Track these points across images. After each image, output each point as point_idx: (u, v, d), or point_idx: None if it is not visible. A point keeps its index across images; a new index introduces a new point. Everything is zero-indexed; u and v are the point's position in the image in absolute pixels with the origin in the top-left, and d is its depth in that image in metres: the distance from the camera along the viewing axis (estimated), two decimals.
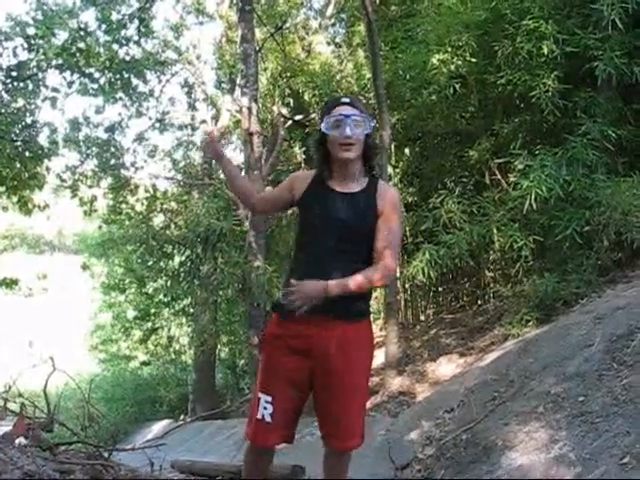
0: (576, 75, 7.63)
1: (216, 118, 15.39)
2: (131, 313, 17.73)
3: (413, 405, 7.41)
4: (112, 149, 13.78)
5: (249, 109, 9.26)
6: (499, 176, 8.37)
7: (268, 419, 2.99)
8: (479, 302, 9.74)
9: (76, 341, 21.77)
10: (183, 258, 15.08)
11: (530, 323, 7.19)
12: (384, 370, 8.96)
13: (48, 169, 13.20)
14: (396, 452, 6.00)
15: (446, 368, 8.47)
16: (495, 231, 7.61)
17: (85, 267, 16.30)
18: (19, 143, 11.93)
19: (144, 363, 18.06)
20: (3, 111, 11.09)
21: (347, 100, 3.03)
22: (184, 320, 16.80)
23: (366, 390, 3.19)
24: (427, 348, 9.31)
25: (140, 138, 14.68)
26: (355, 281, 2.87)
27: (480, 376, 6.61)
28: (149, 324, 16.97)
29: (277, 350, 3.04)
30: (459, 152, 9.42)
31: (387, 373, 8.75)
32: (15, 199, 12.43)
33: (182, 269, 15.06)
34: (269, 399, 3.00)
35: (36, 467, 4.75)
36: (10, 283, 12.24)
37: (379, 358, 10.02)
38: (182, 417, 14.09)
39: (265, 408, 3.00)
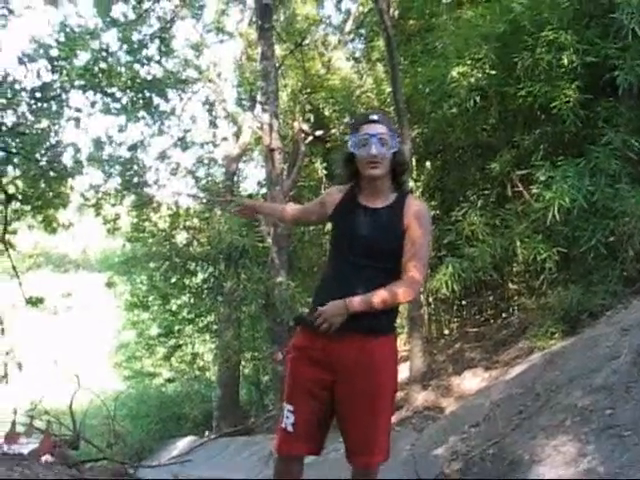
0: (597, 85, 7.57)
1: (237, 135, 15.51)
2: (155, 330, 17.80)
3: (438, 420, 7.35)
4: (135, 167, 13.88)
5: (270, 125, 9.31)
6: (521, 188, 8.31)
7: (290, 428, 3.00)
8: (503, 315, 9.64)
9: (101, 359, 21.89)
10: (206, 275, 15.16)
11: (555, 335, 7.11)
12: (408, 385, 8.90)
13: (72, 188, 13.34)
14: (422, 467, 5.97)
15: (471, 382, 8.41)
16: (518, 243, 7.55)
17: (109, 285, 16.39)
18: (43, 163, 12.08)
19: (168, 380, 18.13)
20: (28, 132, 11.22)
21: (375, 117, 3.03)
22: (208, 337, 16.86)
23: (391, 406, 3.15)
24: (452, 362, 9.24)
25: (162, 156, 14.79)
26: (378, 296, 2.87)
27: (505, 390, 6.55)
28: (173, 341, 17.03)
29: (299, 361, 3.07)
30: (480, 165, 9.38)
31: (412, 388, 8.69)
32: (40, 218, 12.56)
33: (205, 286, 15.13)
34: (291, 408, 3.02)
35: None
36: (36, 302, 12.33)
37: (403, 373, 9.97)
38: (207, 433, 14.06)
39: (287, 417, 3.02)
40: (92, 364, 22.38)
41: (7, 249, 11.76)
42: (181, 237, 14.90)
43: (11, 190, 11.52)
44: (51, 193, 12.25)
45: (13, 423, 6.39)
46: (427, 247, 3.07)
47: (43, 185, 12.03)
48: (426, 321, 10.29)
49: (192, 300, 15.43)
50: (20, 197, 11.77)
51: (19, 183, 11.77)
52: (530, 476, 4.33)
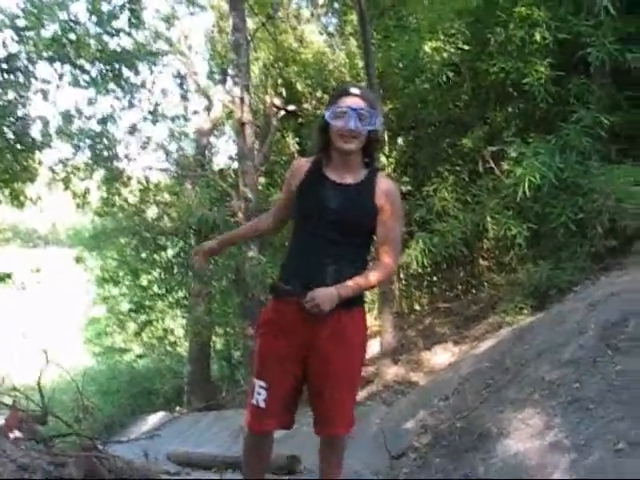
0: (569, 62, 7.61)
1: (209, 109, 15.34)
2: (125, 306, 17.64)
3: (408, 394, 7.40)
4: (105, 141, 13.67)
5: (241, 99, 9.22)
6: (493, 164, 8.35)
7: (262, 404, 2.98)
8: (473, 291, 9.73)
9: (71, 334, 21.72)
10: (177, 250, 15.06)
11: (524, 311, 7.19)
12: (379, 359, 8.96)
13: (40, 162, 13.14)
14: (391, 441, 6.00)
15: (441, 357, 8.49)
16: (489, 219, 7.60)
17: (78, 260, 16.21)
18: (11, 136, 11.86)
19: (139, 356, 18.03)
20: None
21: (357, 92, 2.95)
22: (178, 312, 16.77)
23: (358, 377, 3.15)
24: (422, 337, 9.32)
25: (133, 130, 14.58)
26: (357, 284, 2.89)
27: (475, 364, 6.61)
28: (143, 317, 16.90)
29: (270, 335, 3.04)
30: (452, 141, 9.40)
31: (382, 362, 8.76)
32: (7, 192, 12.36)
33: (176, 261, 15.04)
34: (263, 384, 3.00)
35: (30, 460, 4.73)
36: (3, 277, 12.17)
37: (374, 347, 10.03)
38: (177, 409, 14.05)
39: (259, 394, 3.00)
40: (62, 340, 22.24)
41: None
42: (151, 212, 14.74)
43: None
44: (18, 166, 12.06)
45: None
46: (400, 230, 3.07)
47: (10, 158, 11.83)
48: (397, 297, 10.34)
49: (163, 275, 15.31)
50: None
51: None
52: (498, 449, 4.37)
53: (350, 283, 2.87)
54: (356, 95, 2.92)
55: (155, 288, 16.16)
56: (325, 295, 2.81)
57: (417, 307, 10.67)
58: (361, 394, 8.83)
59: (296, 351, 2.97)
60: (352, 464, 5.83)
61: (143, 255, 15.02)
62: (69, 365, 21.66)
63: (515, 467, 3.98)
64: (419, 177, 10.11)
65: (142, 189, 14.47)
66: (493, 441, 4.55)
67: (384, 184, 3.02)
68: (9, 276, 12.30)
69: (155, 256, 15.00)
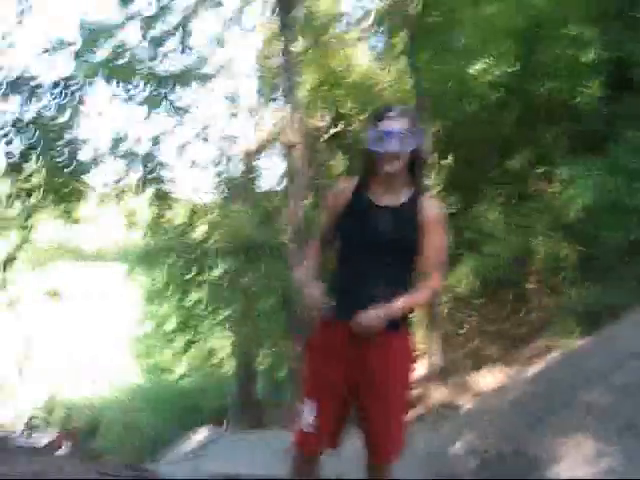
0: (620, 81, 7.49)
1: (256, 130, 15.44)
2: (172, 325, 17.78)
3: (455, 417, 7.30)
4: (154, 161, 13.91)
5: (290, 120, 9.28)
6: (541, 185, 8.24)
7: (311, 428, 2.93)
8: (522, 314, 9.54)
9: (119, 351, 21.98)
10: (224, 269, 15.16)
11: (574, 334, 7.04)
12: (426, 382, 8.87)
13: (87, 185, 13.43)
14: (438, 464, 5.94)
15: (488, 379, 8.35)
16: (538, 240, 7.48)
17: (128, 277, 16.45)
18: (63, 157, 12.14)
19: (183, 376, 18.15)
20: (50, 123, 11.27)
21: (394, 114, 2.89)
22: (224, 332, 16.82)
23: (406, 400, 3.06)
24: (469, 359, 9.17)
25: (182, 150, 14.77)
26: (410, 301, 2.86)
27: (524, 387, 6.51)
28: (189, 335, 17.02)
29: (320, 357, 3.01)
30: (501, 161, 9.30)
31: (428, 385, 8.67)
32: (61, 209, 12.60)
33: (224, 280, 15.13)
34: (313, 405, 2.96)
35: (77, 475, 4.82)
36: (54, 294, 12.42)
37: (421, 369, 9.93)
38: (223, 426, 14.04)
39: (309, 414, 2.95)
40: (111, 356, 22.52)
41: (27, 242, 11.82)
42: (199, 231, 14.89)
43: (32, 183, 11.56)
44: (70, 187, 12.32)
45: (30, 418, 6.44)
46: (445, 250, 3.02)
47: (61, 180, 12.09)
48: (444, 318, 10.19)
49: (209, 295, 15.42)
50: (42, 190, 11.82)
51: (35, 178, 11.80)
52: (548, 475, 4.28)
53: (397, 303, 2.81)
54: (393, 117, 2.88)
55: (201, 308, 16.27)
56: (372, 316, 2.77)
57: (464, 330, 10.48)
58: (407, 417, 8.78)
59: (345, 374, 2.91)
60: None
61: (189, 275, 15.15)
62: (118, 381, 22.03)
63: None
64: (467, 197, 9.99)
65: (190, 209, 14.63)
66: (543, 467, 4.46)
67: (429, 204, 2.99)
68: (58, 293, 12.52)
69: (202, 277, 15.12)
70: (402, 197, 2.98)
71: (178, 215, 14.59)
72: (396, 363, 2.91)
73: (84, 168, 12.50)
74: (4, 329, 22.28)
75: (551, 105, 8.25)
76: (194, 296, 16.17)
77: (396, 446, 2.95)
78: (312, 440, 2.95)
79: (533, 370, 6.93)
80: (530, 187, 8.63)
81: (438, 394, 8.46)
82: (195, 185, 14.76)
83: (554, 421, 5.07)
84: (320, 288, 2.96)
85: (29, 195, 11.45)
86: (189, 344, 17.23)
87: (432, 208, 2.97)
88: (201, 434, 13.61)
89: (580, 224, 7.15)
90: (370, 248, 2.92)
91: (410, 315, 3.01)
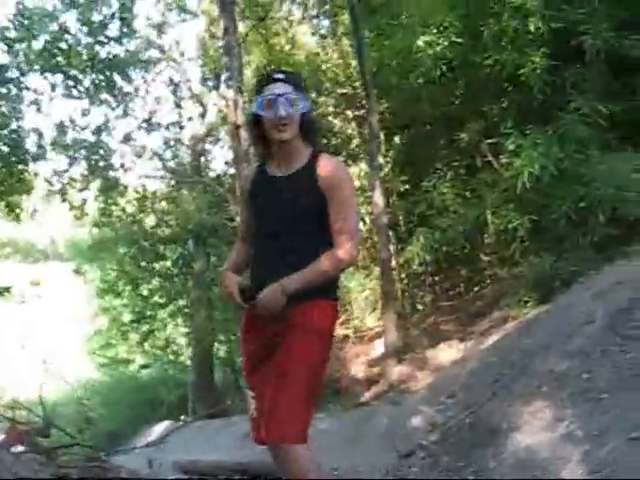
0: (564, 51, 7.50)
1: (203, 115, 15.27)
2: (127, 317, 17.55)
3: (415, 393, 7.30)
4: (100, 151, 13.64)
5: (235, 102, 9.13)
6: (491, 158, 8.26)
7: (255, 414, 2.90)
8: (476, 287, 9.61)
9: (74, 347, 21.61)
10: (175, 257, 14.99)
11: (529, 304, 7.09)
12: (383, 360, 8.87)
13: (36, 174, 13.11)
14: (399, 440, 5.92)
15: (446, 354, 8.38)
16: (489, 213, 7.51)
17: (77, 272, 16.16)
18: (5, 149, 11.81)
19: (143, 366, 17.91)
20: None
21: (280, 76, 2.82)
22: (180, 320, 16.68)
23: (305, 378, 2.78)
24: (426, 336, 9.21)
25: (127, 139, 14.53)
26: (303, 276, 2.73)
27: (481, 359, 6.53)
28: (145, 327, 16.80)
29: (246, 341, 3.02)
30: (449, 136, 9.30)
31: (387, 362, 8.67)
32: (3, 205, 12.31)
33: (175, 268, 14.97)
34: (251, 394, 2.94)
35: (32, 473, 4.66)
36: (3, 291, 12.09)
37: (378, 348, 9.94)
38: (182, 417, 13.92)
39: (251, 403, 2.93)
40: (65, 353, 22.10)
41: None
42: (149, 220, 14.70)
43: None
44: (13, 179, 12.01)
45: None
46: (351, 214, 2.84)
47: (4, 171, 11.78)
48: (399, 296, 10.22)
49: (163, 284, 15.24)
50: None
51: None
52: (508, 443, 4.28)
53: (295, 276, 2.72)
54: (280, 80, 2.79)
55: (156, 297, 16.09)
56: (269, 294, 2.71)
57: (420, 306, 10.57)
58: (367, 395, 8.77)
59: (267, 353, 2.87)
60: (359, 464, 5.76)
61: (142, 264, 14.95)
62: (73, 378, 21.61)
63: (527, 461, 3.89)
64: (417, 175, 9.99)
65: (139, 198, 14.42)
66: (503, 436, 4.46)
67: (325, 166, 2.84)
68: (8, 290, 12.20)
69: (154, 265, 14.93)
70: (300, 163, 2.87)
71: (127, 205, 14.38)
72: (295, 337, 2.79)
73: (27, 160, 12.24)
74: None
75: (497, 77, 8.22)
76: (148, 286, 15.97)
77: (286, 425, 2.70)
78: (259, 428, 2.84)
79: (490, 341, 6.98)
80: (479, 160, 8.66)
81: (397, 371, 8.45)
82: (143, 173, 14.55)
83: (511, 390, 5.08)
84: (233, 279, 2.90)
85: None
86: (146, 335, 16.97)
87: (328, 170, 2.83)
88: (161, 426, 13.44)
89: (530, 194, 7.17)
90: (268, 224, 2.87)
91: (319, 286, 2.80)
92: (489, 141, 8.29)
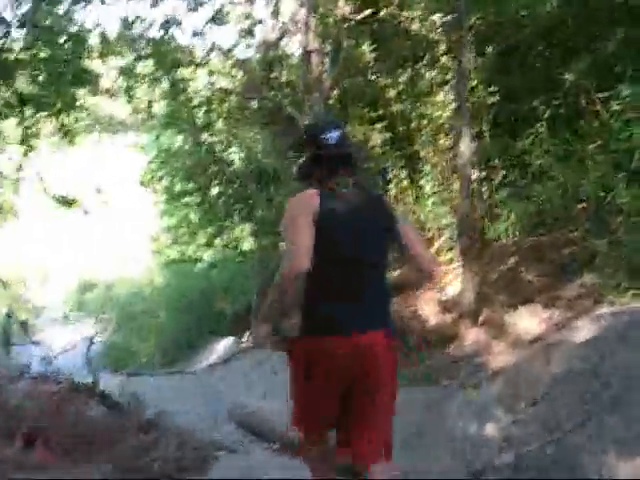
0: None
1: (276, 12, 14.01)
2: (196, 216, 17.10)
3: (489, 380, 6.55)
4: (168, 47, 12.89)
5: (306, 24, 8.09)
6: (598, 106, 7.02)
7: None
8: (567, 259, 8.42)
9: (141, 246, 21.56)
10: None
11: (629, 292, 6.12)
12: (459, 318, 8.16)
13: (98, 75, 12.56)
14: (470, 449, 5.33)
15: (528, 323, 7.57)
16: (592, 182, 6.39)
17: (143, 183, 15.77)
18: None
19: (212, 265, 17.63)
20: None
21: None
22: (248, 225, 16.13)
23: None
24: (506, 293, 8.28)
25: (197, 34, 13.57)
26: None
27: (568, 362, 5.71)
28: (216, 225, 16.36)
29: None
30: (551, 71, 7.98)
31: (462, 322, 7.97)
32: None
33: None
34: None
35: None
36: (69, 203, 11.74)
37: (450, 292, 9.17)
38: (247, 334, 13.54)
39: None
40: (132, 251, 22.21)
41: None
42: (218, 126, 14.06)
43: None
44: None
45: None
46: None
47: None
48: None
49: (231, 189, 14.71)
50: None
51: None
52: None
53: None
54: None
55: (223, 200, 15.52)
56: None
57: (502, 266, 9.42)
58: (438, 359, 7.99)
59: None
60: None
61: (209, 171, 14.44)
62: (139, 276, 21.79)
63: None
64: (513, 133, 8.69)
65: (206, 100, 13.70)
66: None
67: None
68: (73, 202, 11.84)
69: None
70: None
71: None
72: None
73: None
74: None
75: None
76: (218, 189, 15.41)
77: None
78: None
79: (580, 335, 6.11)
80: (585, 117, 7.35)
81: (472, 335, 7.76)
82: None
83: (605, 426, 4.38)
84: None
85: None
86: (214, 236, 16.57)
87: None
88: (225, 343, 13.29)
89: None
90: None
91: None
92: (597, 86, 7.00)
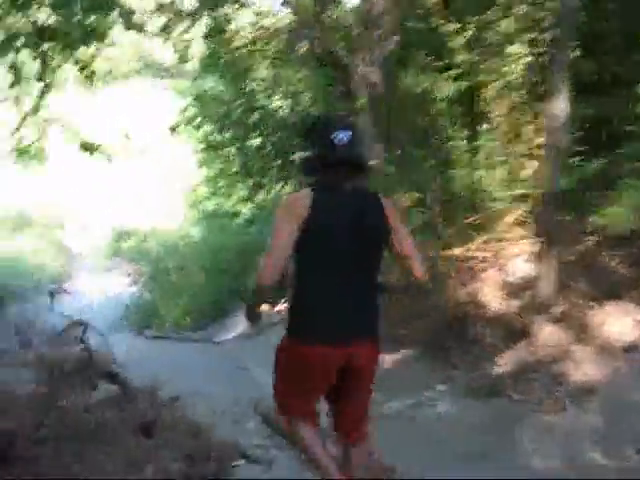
0: None
1: None
2: (235, 168, 15.98)
3: (576, 402, 5.29)
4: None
5: None
6: None
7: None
8: None
9: (178, 196, 20.71)
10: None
11: None
12: (532, 310, 6.87)
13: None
14: None
15: (615, 323, 6.25)
16: None
17: (173, 129, 14.60)
18: None
19: (249, 221, 16.54)
20: None
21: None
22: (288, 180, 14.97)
23: None
24: (590, 284, 6.92)
25: None
26: None
27: None
28: (253, 180, 15.26)
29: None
30: None
31: (535, 316, 6.69)
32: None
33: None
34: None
35: None
36: (91, 148, 10.60)
37: (512, 273, 7.89)
38: (282, 302, 12.53)
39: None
40: (169, 201, 21.30)
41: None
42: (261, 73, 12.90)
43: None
44: None
45: None
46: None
47: None
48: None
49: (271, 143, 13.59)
50: None
51: None
52: None
53: None
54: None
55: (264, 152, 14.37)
56: None
57: (583, 247, 8.04)
58: (504, 363, 6.72)
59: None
60: None
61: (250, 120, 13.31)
62: (176, 229, 20.91)
63: None
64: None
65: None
66: None
67: None
68: (96, 148, 10.70)
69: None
70: None
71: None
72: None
73: None
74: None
75: None
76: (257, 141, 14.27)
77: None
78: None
79: None
80: None
81: (546, 333, 6.49)
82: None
83: None
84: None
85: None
86: (254, 189, 15.48)
87: None
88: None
89: None
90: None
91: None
92: None
